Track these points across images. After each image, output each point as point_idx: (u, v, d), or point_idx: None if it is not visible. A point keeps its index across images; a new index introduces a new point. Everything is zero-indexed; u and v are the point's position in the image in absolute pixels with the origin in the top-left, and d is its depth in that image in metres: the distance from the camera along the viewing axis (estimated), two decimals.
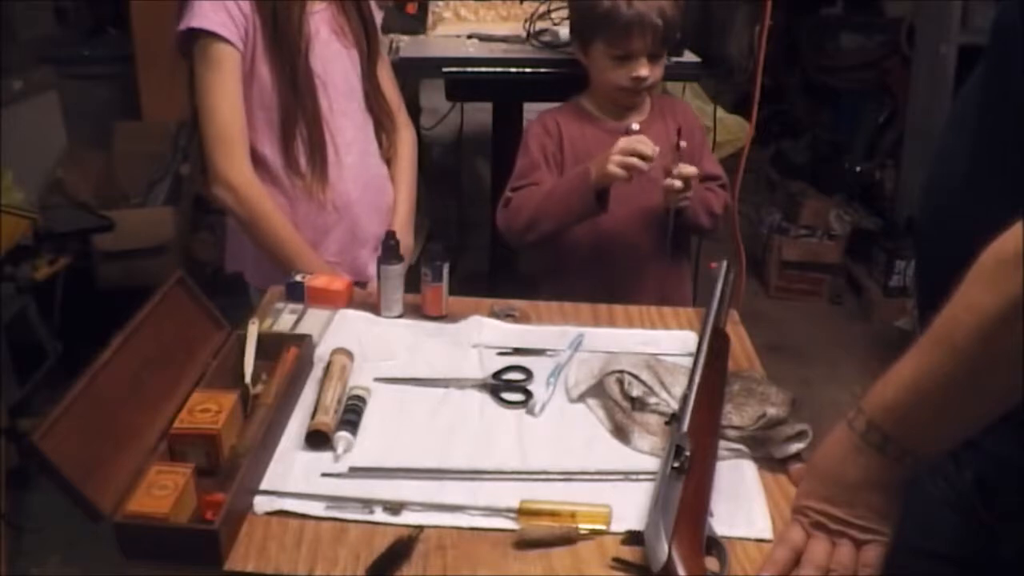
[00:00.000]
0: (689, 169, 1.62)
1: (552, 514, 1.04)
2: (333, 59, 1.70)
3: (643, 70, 1.69)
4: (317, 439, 1.17)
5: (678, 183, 1.61)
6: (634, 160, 1.58)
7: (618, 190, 1.75)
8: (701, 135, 1.86)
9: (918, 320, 1.05)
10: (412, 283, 1.55)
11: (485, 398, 1.31)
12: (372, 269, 1.80)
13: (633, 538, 0.99)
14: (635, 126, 1.64)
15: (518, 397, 1.31)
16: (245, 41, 1.60)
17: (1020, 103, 0.83)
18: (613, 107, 1.77)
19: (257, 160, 1.68)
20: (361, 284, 1.73)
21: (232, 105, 1.61)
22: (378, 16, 1.84)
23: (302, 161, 1.69)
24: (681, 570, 0.91)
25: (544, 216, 1.71)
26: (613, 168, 1.58)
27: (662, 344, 1.44)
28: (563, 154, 1.77)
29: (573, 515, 1.04)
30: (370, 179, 1.80)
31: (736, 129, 2.85)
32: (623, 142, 1.60)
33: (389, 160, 1.87)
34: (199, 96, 1.61)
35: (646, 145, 1.58)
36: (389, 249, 1.50)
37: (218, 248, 3.14)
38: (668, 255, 1.74)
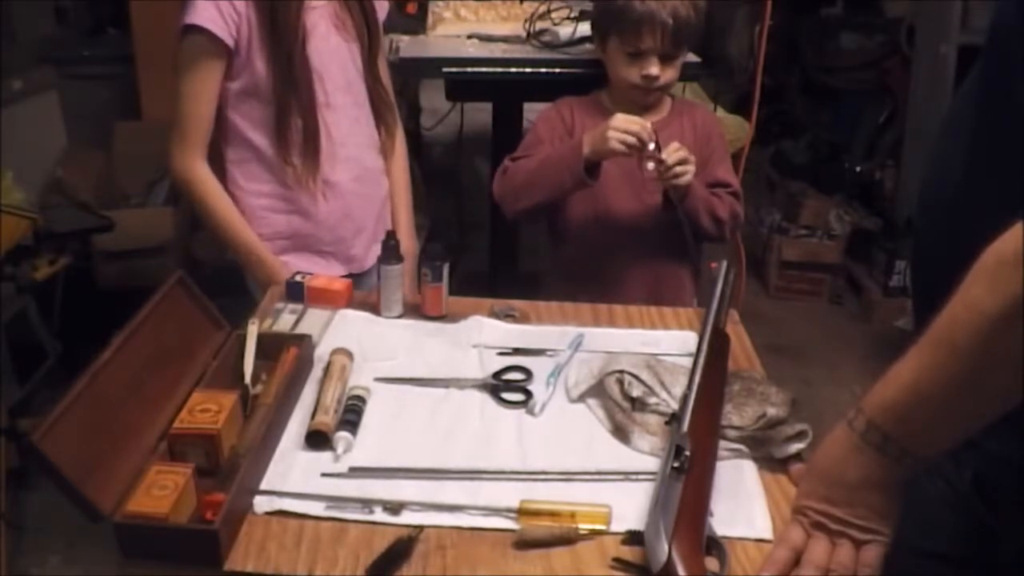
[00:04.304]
0: (675, 145, 1.59)
1: (552, 514, 1.04)
2: (331, 53, 1.72)
3: (653, 69, 1.69)
4: (317, 439, 1.17)
5: (665, 161, 1.58)
6: (635, 130, 1.56)
7: (619, 188, 1.74)
8: (719, 141, 1.84)
9: (914, 320, 1.05)
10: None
11: (485, 398, 1.31)
12: (366, 260, 1.83)
13: (633, 538, 0.99)
14: (649, 124, 1.62)
15: (518, 397, 1.31)
16: (237, 38, 1.62)
17: (1018, 104, 0.83)
18: (630, 105, 1.77)
19: (251, 149, 1.72)
20: (354, 276, 1.75)
21: (199, 100, 1.66)
22: (383, 11, 1.85)
23: (295, 152, 1.70)
24: (681, 570, 0.91)
25: (535, 184, 1.70)
26: (613, 144, 1.57)
27: (662, 344, 1.44)
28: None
29: (573, 515, 1.04)
30: (364, 171, 1.83)
31: (736, 129, 2.84)
32: (620, 117, 1.60)
33: (385, 153, 1.89)
34: (176, 85, 1.67)
35: (643, 127, 1.58)
36: (389, 249, 1.50)
37: (218, 247, 3.14)
38: (694, 252, 1.73)
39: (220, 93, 1.67)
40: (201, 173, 1.69)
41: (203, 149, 1.70)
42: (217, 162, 1.73)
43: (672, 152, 1.59)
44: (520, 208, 1.75)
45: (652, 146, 1.58)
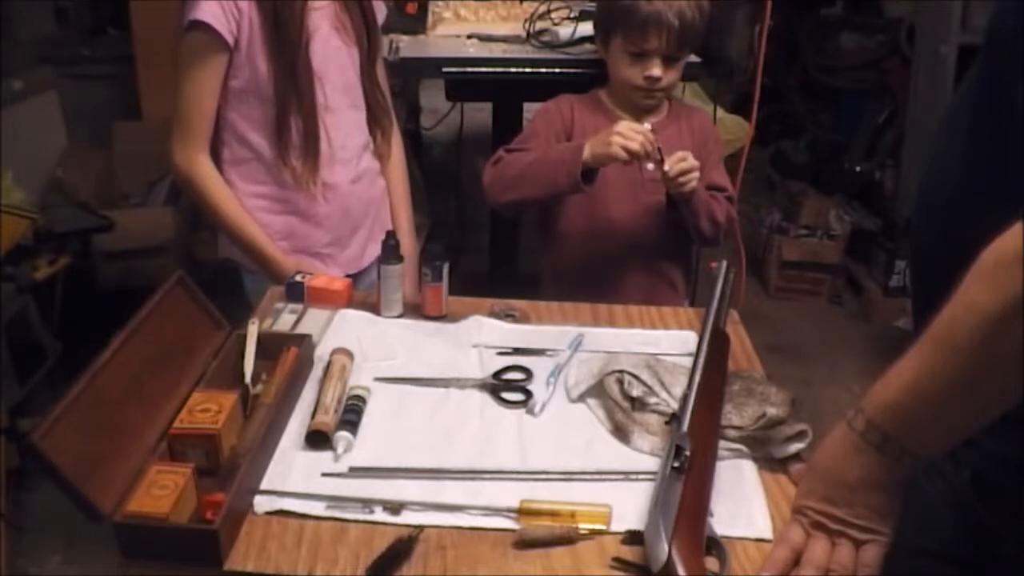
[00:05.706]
0: (680, 154, 1.59)
1: (552, 514, 1.04)
2: (332, 55, 1.72)
3: (656, 70, 1.69)
4: (317, 439, 1.18)
5: (674, 169, 1.58)
6: (639, 140, 1.55)
7: (617, 188, 1.74)
8: (715, 145, 1.84)
9: (913, 320, 1.05)
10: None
11: (485, 398, 1.31)
12: (363, 260, 1.85)
13: (633, 538, 0.99)
14: (647, 125, 1.62)
15: (518, 397, 1.31)
16: (237, 36, 1.62)
17: (1017, 104, 0.83)
18: (630, 105, 1.76)
19: (248, 150, 1.72)
20: (351, 276, 1.75)
21: (201, 96, 1.66)
22: (380, 14, 1.85)
23: (294, 153, 1.71)
24: (681, 570, 0.91)
25: (527, 179, 1.69)
26: (616, 149, 1.56)
27: (662, 344, 1.45)
28: (569, 139, 1.76)
29: (573, 515, 1.04)
30: (362, 172, 1.83)
31: (736, 129, 2.84)
32: (625, 125, 1.59)
33: (381, 156, 1.89)
34: (176, 79, 1.67)
35: (647, 140, 1.57)
36: (389, 249, 1.51)
37: (218, 246, 3.14)
38: (697, 252, 1.72)
39: (220, 92, 1.67)
40: (204, 169, 1.70)
41: (205, 145, 1.70)
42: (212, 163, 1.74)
43: (676, 162, 1.58)
44: (506, 200, 1.74)
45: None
